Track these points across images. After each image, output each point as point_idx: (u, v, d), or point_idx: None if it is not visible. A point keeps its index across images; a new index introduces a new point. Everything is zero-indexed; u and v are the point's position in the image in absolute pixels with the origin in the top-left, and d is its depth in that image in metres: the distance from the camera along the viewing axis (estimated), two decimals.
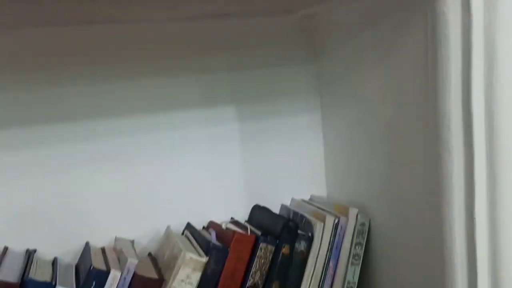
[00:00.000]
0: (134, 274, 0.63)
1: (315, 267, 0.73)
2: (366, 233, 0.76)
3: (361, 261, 0.75)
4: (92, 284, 0.61)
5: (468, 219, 0.53)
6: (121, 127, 0.76)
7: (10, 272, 0.61)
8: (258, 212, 0.81)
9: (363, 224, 0.75)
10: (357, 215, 0.75)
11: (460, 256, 0.55)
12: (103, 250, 0.72)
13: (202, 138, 0.81)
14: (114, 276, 0.62)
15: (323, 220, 0.74)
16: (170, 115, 0.79)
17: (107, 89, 0.75)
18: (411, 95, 0.63)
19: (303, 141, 0.88)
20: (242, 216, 0.83)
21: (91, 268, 0.61)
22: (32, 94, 0.71)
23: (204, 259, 0.65)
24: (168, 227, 0.77)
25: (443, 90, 0.53)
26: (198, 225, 0.79)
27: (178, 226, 0.79)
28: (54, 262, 0.71)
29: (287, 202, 0.87)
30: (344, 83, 0.80)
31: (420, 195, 0.64)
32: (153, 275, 0.66)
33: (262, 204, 0.82)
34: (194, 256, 0.64)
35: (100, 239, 0.76)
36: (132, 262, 0.63)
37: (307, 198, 0.89)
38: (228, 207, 0.84)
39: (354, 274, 0.75)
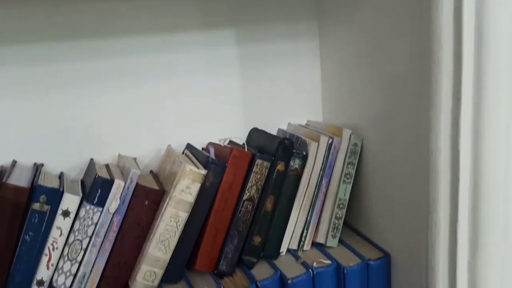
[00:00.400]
0: (137, 185, 0.67)
1: (308, 184, 0.77)
2: (359, 154, 0.79)
3: (352, 180, 0.79)
4: (97, 192, 0.65)
5: (454, 128, 0.56)
6: (122, 48, 0.78)
7: (20, 181, 0.65)
8: (256, 134, 0.84)
9: (355, 145, 0.79)
10: (350, 136, 0.78)
11: (443, 165, 0.58)
12: (107, 166, 0.76)
13: (201, 61, 0.83)
14: (118, 185, 0.66)
15: (317, 140, 0.77)
16: (170, 38, 0.80)
17: (108, 8, 0.75)
18: (406, 20, 0.65)
19: (301, 66, 0.89)
20: (240, 140, 0.86)
21: (97, 176, 0.65)
22: (33, 8, 0.72)
23: (203, 171, 0.68)
24: (169, 146, 0.80)
25: (436, 7, 0.55)
26: (198, 146, 0.82)
27: (178, 146, 0.82)
28: (61, 176, 0.74)
29: (284, 127, 0.91)
30: (343, 8, 0.81)
31: (412, 118, 0.67)
32: (155, 186, 0.70)
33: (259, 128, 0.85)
34: (194, 168, 0.67)
35: (104, 157, 0.79)
36: (135, 172, 0.66)
37: (303, 123, 0.92)
38: (227, 131, 0.87)
39: (345, 192, 0.79)
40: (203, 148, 0.82)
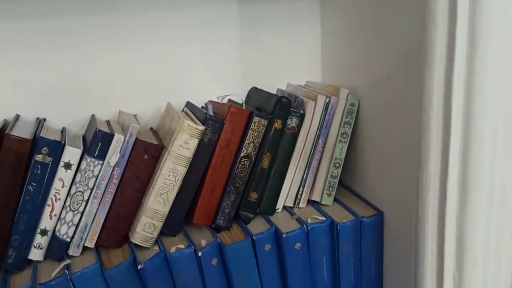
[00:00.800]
0: (136, 139, 0.69)
1: (305, 143, 0.79)
2: (355, 113, 0.80)
3: (349, 140, 0.81)
4: (98, 146, 0.67)
5: (447, 85, 0.57)
6: (124, 5, 0.78)
7: (23, 133, 0.66)
8: (255, 93, 0.85)
9: (352, 104, 0.80)
10: (347, 96, 0.79)
11: (435, 121, 0.59)
12: (107, 122, 0.77)
13: (202, 20, 0.83)
14: (118, 139, 0.67)
15: (315, 99, 0.78)
16: None
17: None
18: None
19: (301, 26, 0.89)
20: (239, 98, 0.87)
21: (97, 130, 0.67)
22: None
23: (201, 127, 0.69)
24: (168, 103, 0.81)
25: None
26: (197, 105, 0.83)
27: (178, 104, 0.83)
28: (63, 130, 0.76)
29: (283, 87, 0.91)
30: None
31: (409, 80, 0.68)
32: (154, 141, 0.71)
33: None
34: (192, 124, 0.69)
35: (105, 114, 0.81)
36: (134, 127, 0.68)
37: (302, 83, 0.92)
38: (226, 90, 0.88)
39: (341, 151, 0.81)
40: (202, 107, 0.84)
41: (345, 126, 0.80)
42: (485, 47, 0.54)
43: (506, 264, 0.65)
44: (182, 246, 0.69)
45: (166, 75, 0.84)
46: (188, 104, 0.82)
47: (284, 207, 0.81)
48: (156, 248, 0.71)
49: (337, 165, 0.81)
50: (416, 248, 0.68)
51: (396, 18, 0.69)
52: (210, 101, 0.81)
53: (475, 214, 0.62)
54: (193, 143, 0.69)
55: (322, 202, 0.82)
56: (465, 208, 0.62)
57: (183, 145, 0.69)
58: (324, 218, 0.76)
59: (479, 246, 0.63)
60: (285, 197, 0.80)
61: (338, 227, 0.75)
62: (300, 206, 0.81)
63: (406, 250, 0.75)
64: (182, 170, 0.70)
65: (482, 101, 0.56)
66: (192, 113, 0.77)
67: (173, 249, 0.69)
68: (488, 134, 0.57)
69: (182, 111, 0.82)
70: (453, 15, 0.54)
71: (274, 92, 0.90)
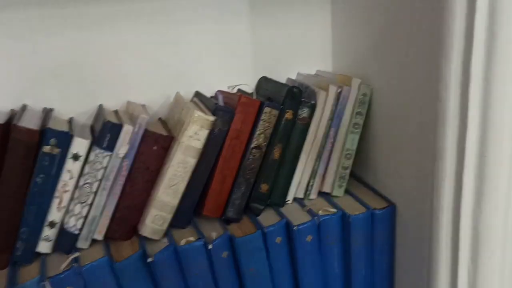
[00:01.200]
0: (146, 130, 0.68)
1: (316, 133, 0.77)
2: (368, 104, 0.79)
3: (361, 130, 0.79)
4: (106, 137, 0.66)
5: (464, 76, 0.55)
6: None
7: (30, 123, 0.65)
8: (265, 83, 0.84)
9: (365, 95, 0.78)
10: (359, 85, 0.77)
11: (452, 112, 0.57)
12: (116, 112, 0.76)
13: (211, 8, 0.82)
14: (127, 129, 0.66)
15: (326, 89, 0.76)
16: None
17: None
18: None
19: (312, 14, 0.88)
20: (249, 88, 0.86)
21: (106, 121, 0.65)
22: None
23: (212, 117, 0.68)
24: (177, 93, 0.80)
25: None
26: (207, 95, 0.82)
27: (187, 94, 0.82)
28: (70, 120, 0.75)
29: (294, 77, 0.90)
30: None
31: (422, 69, 0.66)
32: (164, 132, 0.70)
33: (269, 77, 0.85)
34: (202, 114, 0.67)
35: (113, 104, 0.80)
36: (143, 118, 0.67)
37: (313, 73, 0.91)
38: (236, 79, 0.86)
39: (353, 142, 0.79)
40: (212, 97, 0.82)
41: (357, 116, 0.78)
42: (505, 37, 0.53)
43: None
44: (192, 238, 0.68)
45: (175, 64, 0.82)
46: (198, 94, 0.81)
47: (295, 199, 0.80)
48: (165, 240, 0.70)
49: (348, 156, 0.79)
50: (430, 240, 0.67)
51: (412, 5, 0.67)
52: (220, 91, 0.80)
53: (491, 207, 0.60)
54: (203, 134, 0.68)
55: (334, 194, 0.80)
56: (482, 201, 0.60)
57: (193, 136, 0.68)
58: (335, 210, 0.75)
59: (495, 240, 0.62)
60: (296, 189, 0.79)
61: (350, 219, 0.74)
62: (311, 197, 0.80)
63: (418, 243, 0.74)
64: (192, 162, 0.68)
65: (501, 92, 0.55)
66: (202, 102, 0.76)
67: (183, 242, 0.68)
68: (506, 125, 0.56)
69: (191, 101, 0.81)
70: (471, 3, 0.52)
71: (284, 82, 0.88)
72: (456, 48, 0.55)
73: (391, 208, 0.77)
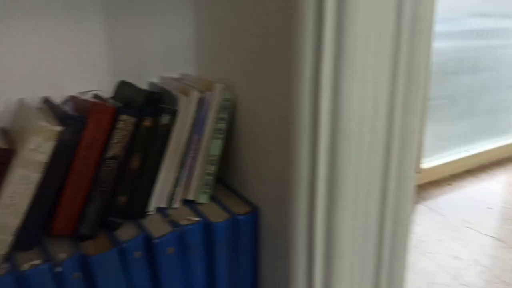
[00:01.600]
0: None
1: (179, 140, 0.75)
2: (231, 109, 0.78)
3: (225, 136, 0.78)
4: None
5: (315, 87, 0.56)
6: None
7: None
8: (123, 88, 0.79)
9: (227, 100, 0.77)
10: (221, 91, 0.76)
11: (305, 121, 0.59)
12: None
13: (61, 5, 0.75)
14: None
15: (188, 95, 0.74)
16: None
17: None
18: None
19: (174, 15, 0.84)
20: (106, 93, 0.80)
21: None
22: None
23: (58, 128, 0.62)
24: (21, 100, 0.72)
25: None
26: (57, 100, 0.75)
27: (34, 100, 0.75)
28: None
29: (157, 80, 0.86)
30: None
31: (281, 75, 0.67)
32: (2, 145, 0.63)
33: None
34: (46, 125, 0.61)
35: None
36: None
37: (176, 76, 0.88)
38: (91, 84, 0.80)
39: (217, 148, 0.78)
40: (62, 103, 0.76)
41: (220, 122, 0.77)
42: (352, 50, 0.54)
43: (370, 259, 0.67)
44: (37, 261, 0.62)
45: (18, 66, 0.74)
46: (46, 101, 0.74)
47: (158, 209, 0.76)
48: (6, 266, 0.62)
49: (213, 162, 0.78)
50: (288, 241, 0.68)
51: (269, 14, 0.67)
52: (71, 97, 0.74)
53: (342, 213, 0.63)
54: (48, 146, 0.62)
55: (198, 201, 0.79)
56: (333, 207, 0.62)
57: (37, 148, 0.61)
58: (198, 219, 0.73)
59: (346, 240, 0.65)
60: (158, 198, 0.76)
61: (213, 227, 0.72)
62: (175, 206, 0.77)
63: (280, 246, 0.75)
64: (35, 177, 0.62)
65: (349, 102, 0.57)
66: (50, 110, 0.70)
67: (26, 266, 0.61)
68: (353, 135, 0.58)
69: (38, 108, 0.73)
70: (319, 19, 0.53)
71: (146, 86, 0.84)
72: (307, 61, 0.56)
73: (255, 213, 0.77)
